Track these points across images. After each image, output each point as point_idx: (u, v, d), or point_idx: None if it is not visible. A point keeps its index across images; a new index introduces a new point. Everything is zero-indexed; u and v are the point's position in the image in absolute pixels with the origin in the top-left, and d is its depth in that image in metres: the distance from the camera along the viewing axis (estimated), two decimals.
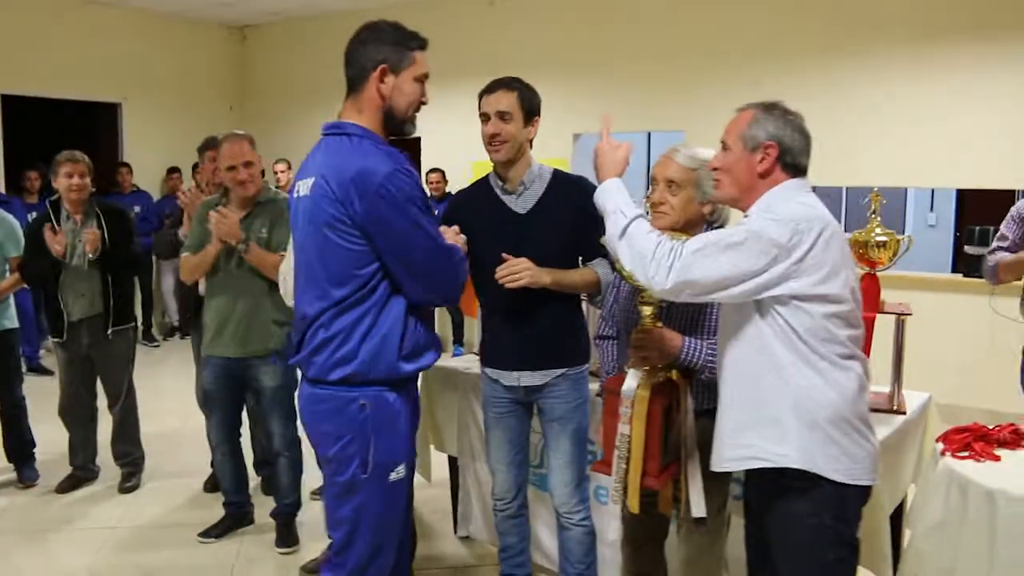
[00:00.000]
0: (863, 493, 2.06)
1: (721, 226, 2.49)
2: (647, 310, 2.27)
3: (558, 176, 2.81)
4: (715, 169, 2.15)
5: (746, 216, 2.10)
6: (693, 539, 2.49)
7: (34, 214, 5.94)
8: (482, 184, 2.87)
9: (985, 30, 5.66)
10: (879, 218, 3.03)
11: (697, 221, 2.44)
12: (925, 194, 10.46)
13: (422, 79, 2.28)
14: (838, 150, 6.13)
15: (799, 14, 6.36)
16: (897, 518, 2.97)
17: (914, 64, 5.93)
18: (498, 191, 2.79)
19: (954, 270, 8.27)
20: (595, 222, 2.71)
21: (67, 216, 4.28)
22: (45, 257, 4.20)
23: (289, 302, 3.31)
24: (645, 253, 1.97)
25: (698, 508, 2.35)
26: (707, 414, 2.32)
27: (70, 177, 4.19)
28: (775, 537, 2.10)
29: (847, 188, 10.01)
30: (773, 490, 2.06)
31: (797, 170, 2.08)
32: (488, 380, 2.88)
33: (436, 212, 9.21)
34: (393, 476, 2.27)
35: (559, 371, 2.75)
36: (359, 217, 2.13)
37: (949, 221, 10.07)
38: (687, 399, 2.31)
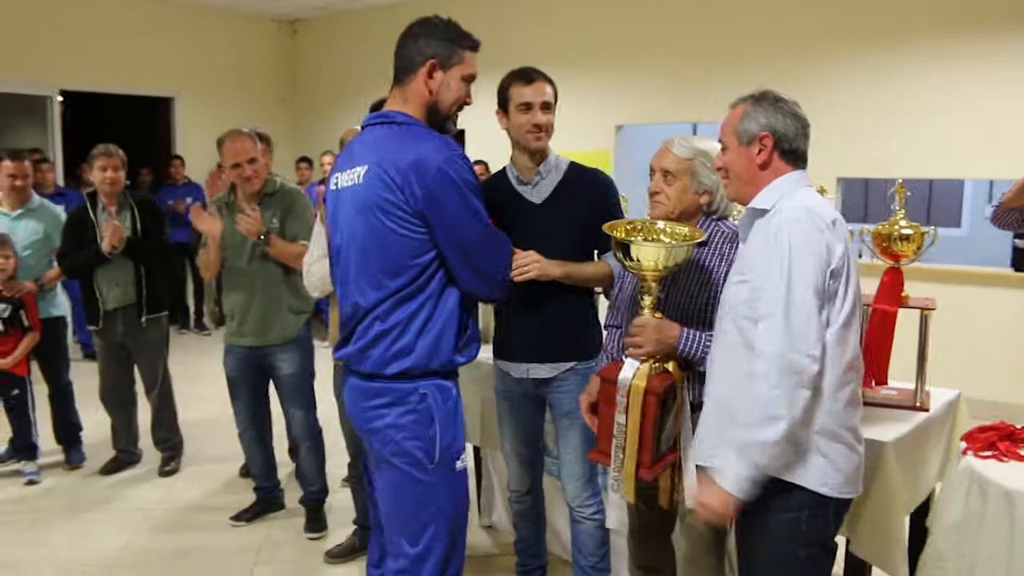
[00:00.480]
0: (845, 504, 2.06)
1: (723, 217, 2.45)
2: (646, 300, 2.24)
3: (574, 168, 2.80)
4: (719, 169, 2.16)
5: (746, 208, 2.08)
6: (694, 533, 2.47)
7: None
8: (499, 175, 2.89)
9: None
10: (903, 210, 2.94)
11: (694, 211, 2.41)
12: (983, 186, 10.11)
13: (469, 79, 2.28)
14: (892, 141, 6.00)
15: (844, 5, 6.21)
16: (925, 517, 2.90)
17: (971, 52, 5.72)
18: (514, 182, 2.80)
19: (1013, 264, 7.99)
20: (610, 214, 2.70)
21: (103, 208, 4.44)
22: (82, 248, 4.35)
23: (315, 293, 3.40)
24: (769, 386, 1.87)
25: (691, 499, 2.33)
26: (702, 406, 2.31)
27: (104, 171, 4.35)
28: (753, 529, 2.09)
29: (900, 180, 9.77)
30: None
31: (796, 156, 2.07)
32: (499, 372, 2.89)
33: None
34: (459, 464, 2.26)
35: (568, 364, 2.75)
36: (419, 203, 2.12)
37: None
38: (683, 391, 2.29)
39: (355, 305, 2.27)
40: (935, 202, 10.43)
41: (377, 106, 3.86)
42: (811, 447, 1.97)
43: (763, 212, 2.03)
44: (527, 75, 2.70)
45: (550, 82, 2.72)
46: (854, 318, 1.99)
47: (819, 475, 1.97)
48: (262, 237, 3.58)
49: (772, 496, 2.01)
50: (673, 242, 2.23)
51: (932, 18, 5.84)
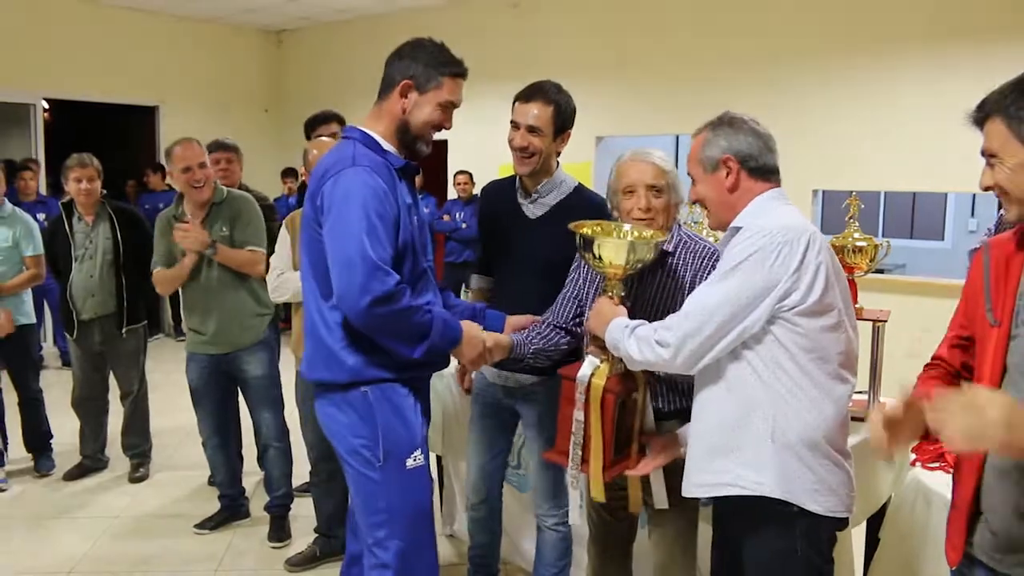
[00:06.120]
0: (837, 524, 1.99)
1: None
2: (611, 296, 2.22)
3: (578, 191, 2.77)
4: (695, 202, 2.15)
5: (727, 231, 2.06)
6: (665, 545, 2.43)
7: None
8: (509, 180, 2.88)
9: (1021, 29, 5.45)
10: (857, 223, 2.96)
11: (671, 225, 2.38)
12: (966, 199, 10.16)
13: (447, 106, 2.29)
14: (874, 154, 6.02)
15: (824, 17, 6.25)
16: (879, 528, 2.90)
17: (955, 63, 5.72)
18: (517, 193, 2.80)
19: None
20: None
21: (79, 218, 4.45)
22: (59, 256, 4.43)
23: (277, 299, 3.46)
24: (646, 336, 1.98)
25: (660, 500, 2.32)
26: (671, 416, 2.31)
27: (79, 182, 4.36)
28: (745, 555, 2.03)
29: (885, 192, 9.83)
30: (746, 513, 1.99)
31: (765, 172, 2.03)
32: (479, 372, 2.90)
33: (461, 215, 8.98)
34: (410, 463, 2.27)
35: (537, 377, 2.71)
36: (317, 210, 2.19)
37: (991, 227, 9.77)
38: (645, 392, 2.25)
39: (306, 312, 2.34)
40: (919, 216, 10.47)
41: (313, 121, 3.93)
42: (796, 458, 1.90)
43: (738, 229, 2.00)
44: (529, 92, 2.65)
45: (551, 103, 2.62)
46: (839, 328, 1.92)
47: (808, 490, 1.90)
48: (208, 249, 3.60)
49: (763, 524, 1.95)
50: (634, 238, 2.19)
51: (913, 30, 5.87)
